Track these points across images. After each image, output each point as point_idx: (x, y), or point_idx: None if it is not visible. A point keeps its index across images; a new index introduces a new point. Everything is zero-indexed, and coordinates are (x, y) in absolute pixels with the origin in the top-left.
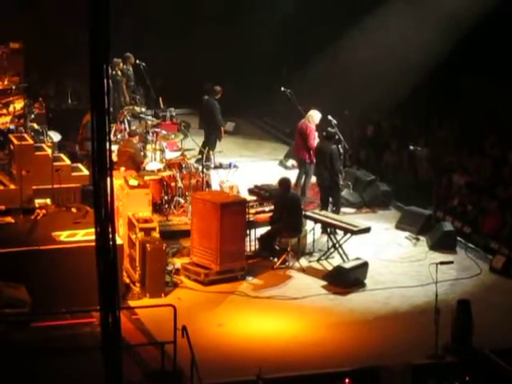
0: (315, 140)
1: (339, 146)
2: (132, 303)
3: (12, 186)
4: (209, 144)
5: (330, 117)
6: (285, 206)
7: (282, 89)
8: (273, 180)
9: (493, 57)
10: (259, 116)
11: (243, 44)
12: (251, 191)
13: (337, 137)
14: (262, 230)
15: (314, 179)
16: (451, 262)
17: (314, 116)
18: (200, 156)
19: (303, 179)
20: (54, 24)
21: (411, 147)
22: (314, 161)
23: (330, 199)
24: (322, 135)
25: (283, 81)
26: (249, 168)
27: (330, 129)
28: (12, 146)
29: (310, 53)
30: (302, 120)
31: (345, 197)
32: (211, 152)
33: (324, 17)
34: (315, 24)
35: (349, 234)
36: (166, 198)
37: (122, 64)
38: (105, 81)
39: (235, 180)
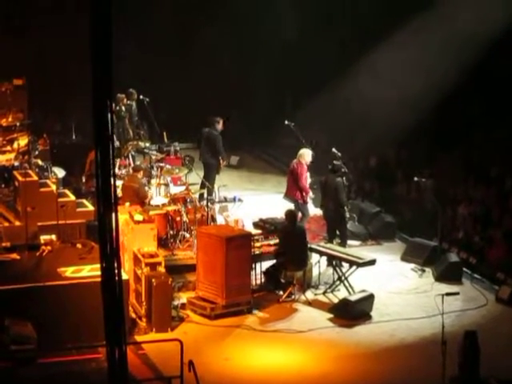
0: (307, 180)
1: (344, 178)
2: (138, 338)
3: (17, 223)
4: (209, 178)
5: (334, 149)
6: (290, 238)
7: (286, 122)
8: (278, 213)
9: (498, 85)
10: (263, 149)
11: (246, 76)
12: (256, 225)
13: (343, 169)
14: (267, 264)
15: (319, 212)
16: (457, 293)
17: (305, 155)
18: (202, 190)
19: (299, 217)
20: (55, 58)
21: (416, 178)
22: (307, 200)
23: (337, 232)
24: (328, 168)
25: (287, 114)
26: (253, 201)
27: (335, 162)
28: (17, 183)
29: (313, 84)
30: (294, 160)
31: (350, 229)
32: (214, 186)
33: (327, 47)
34: (318, 55)
35: (354, 267)
36: (171, 232)
37: (125, 100)
38: (109, 116)
39: (240, 214)
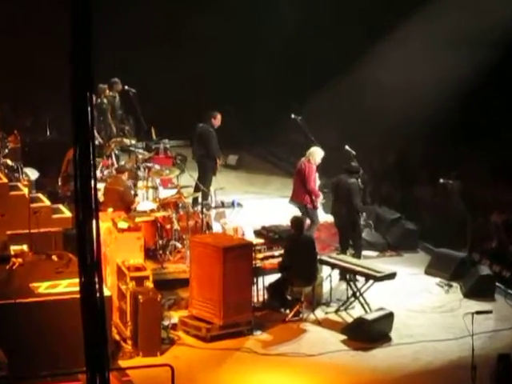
0: (316, 182)
1: (359, 179)
2: (123, 363)
3: None
4: (204, 180)
5: (347, 147)
6: (297, 249)
7: (293, 116)
8: (283, 220)
9: None
10: (266, 147)
11: (246, 66)
12: (258, 233)
13: (360, 172)
14: (270, 278)
15: (330, 218)
16: (489, 312)
17: (315, 154)
18: (196, 194)
19: (307, 225)
20: (26, 46)
21: (442, 180)
22: (317, 205)
23: (350, 241)
24: (343, 169)
25: (293, 107)
26: (255, 207)
27: (353, 163)
28: None
29: (322, 74)
30: (302, 159)
31: (366, 238)
32: (210, 189)
33: (337, 33)
34: (328, 41)
35: (371, 281)
36: (160, 242)
37: (108, 91)
38: (89, 109)
39: (239, 221)
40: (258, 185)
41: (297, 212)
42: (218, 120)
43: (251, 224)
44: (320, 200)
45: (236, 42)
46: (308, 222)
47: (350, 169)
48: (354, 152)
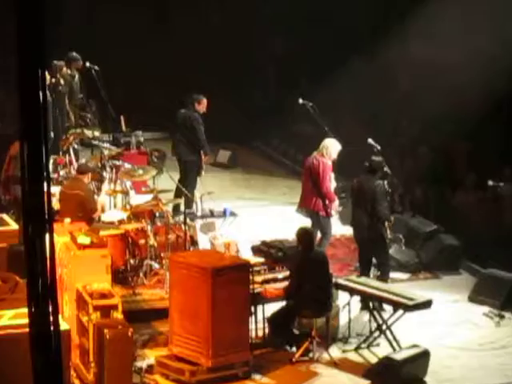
0: (332, 183)
1: (385, 181)
2: None
3: None
4: (187, 183)
5: (370, 140)
6: (306, 270)
7: (301, 101)
8: (288, 233)
9: None
10: (266, 141)
11: (241, 41)
12: (257, 250)
13: (385, 169)
14: (273, 307)
15: (349, 231)
16: None
17: (331, 147)
18: (178, 201)
19: (318, 238)
20: None
21: (491, 182)
22: (332, 213)
23: (373, 259)
24: (364, 167)
25: (301, 90)
26: (253, 216)
27: (374, 157)
28: None
29: (339, 52)
30: (314, 153)
31: (394, 256)
32: (195, 194)
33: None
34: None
35: (401, 311)
36: (132, 261)
37: (65, 68)
38: (41, 93)
39: (233, 234)
40: (256, 188)
41: (306, 222)
42: (203, 106)
43: (248, 238)
44: (336, 207)
45: (233, 13)
46: (319, 234)
47: (372, 165)
48: (378, 146)
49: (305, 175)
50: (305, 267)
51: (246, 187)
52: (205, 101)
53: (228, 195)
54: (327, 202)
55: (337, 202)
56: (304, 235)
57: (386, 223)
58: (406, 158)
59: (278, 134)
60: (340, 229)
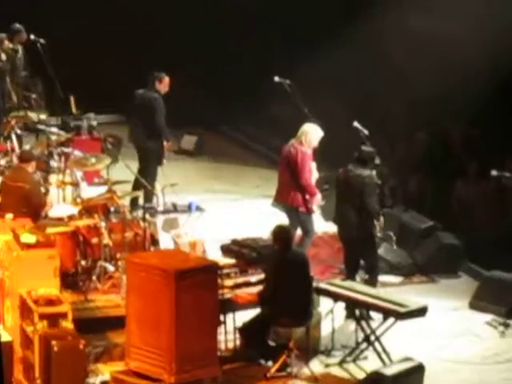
0: (312, 174)
1: (374, 172)
2: None
3: None
4: (147, 173)
5: (356, 123)
6: (284, 273)
7: (277, 79)
8: (263, 231)
9: None
10: (237, 125)
11: (211, 11)
12: (227, 250)
13: (376, 161)
14: (246, 315)
15: (333, 228)
16: None
17: (311, 133)
18: (136, 193)
19: (298, 237)
20: None
21: (494, 172)
22: (314, 209)
23: (361, 261)
24: (353, 156)
25: (277, 68)
26: (222, 211)
27: (365, 147)
28: None
29: (323, 22)
30: (292, 140)
31: (384, 257)
32: (156, 185)
33: None
34: None
35: (392, 319)
36: (83, 263)
37: (7, 42)
38: None
39: (200, 232)
40: (226, 179)
41: (283, 218)
42: (165, 84)
43: (217, 237)
44: (318, 201)
45: None
46: (299, 233)
47: (362, 156)
48: (366, 131)
49: (281, 165)
50: (282, 269)
51: (215, 178)
52: (167, 79)
53: (194, 187)
54: (307, 196)
55: (319, 195)
56: (281, 233)
57: (376, 219)
58: (398, 143)
59: (251, 116)
60: (322, 225)
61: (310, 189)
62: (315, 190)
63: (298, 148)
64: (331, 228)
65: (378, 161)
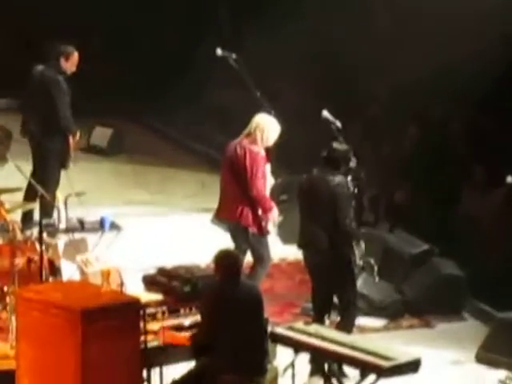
0: (267, 182)
1: (350, 179)
2: None
3: None
4: (45, 175)
5: (325, 113)
6: (227, 313)
7: (219, 52)
8: (200, 256)
9: None
10: (166, 115)
11: None
12: (152, 282)
13: (351, 164)
14: (177, 370)
15: (295, 253)
16: None
17: (267, 129)
18: (30, 205)
19: (247, 265)
20: None
21: (510, 179)
22: (269, 229)
23: (333, 298)
24: (321, 157)
25: (221, 39)
26: (146, 230)
27: (336, 144)
28: None
29: None
30: (239, 137)
31: (363, 292)
32: (57, 194)
33: None
34: None
35: (373, 377)
36: None
37: None
38: None
39: (116, 257)
40: (150, 186)
41: (228, 240)
42: (72, 63)
43: (138, 264)
44: (274, 218)
45: None
46: (250, 259)
47: (333, 156)
48: (338, 123)
49: (224, 170)
50: (225, 308)
51: (136, 185)
52: (76, 56)
53: (108, 197)
54: (260, 211)
55: (275, 211)
56: (225, 260)
57: (352, 241)
58: (381, 139)
59: (184, 103)
60: (280, 249)
61: (264, 202)
62: (270, 203)
63: (247, 147)
64: (291, 253)
65: (353, 163)
